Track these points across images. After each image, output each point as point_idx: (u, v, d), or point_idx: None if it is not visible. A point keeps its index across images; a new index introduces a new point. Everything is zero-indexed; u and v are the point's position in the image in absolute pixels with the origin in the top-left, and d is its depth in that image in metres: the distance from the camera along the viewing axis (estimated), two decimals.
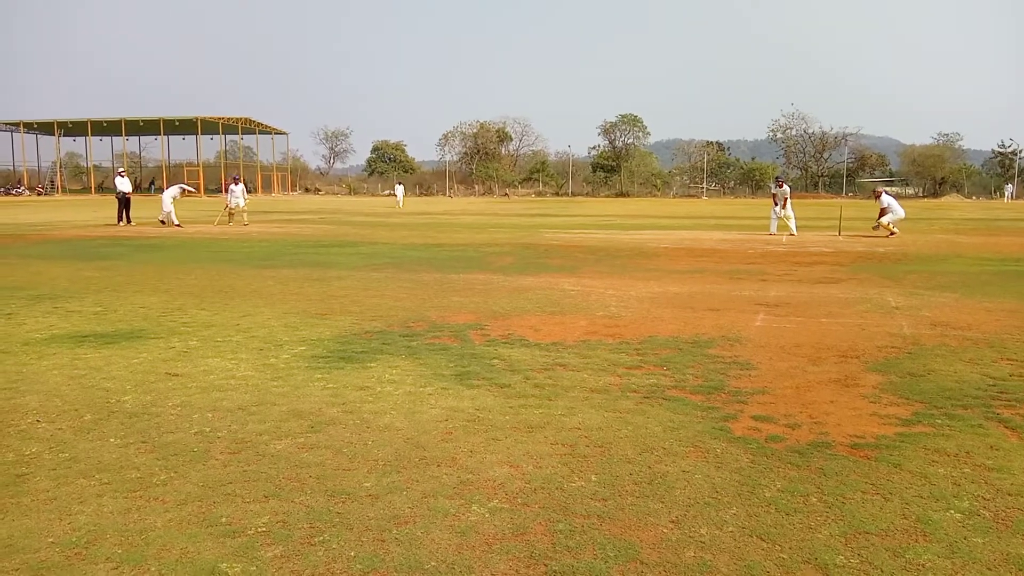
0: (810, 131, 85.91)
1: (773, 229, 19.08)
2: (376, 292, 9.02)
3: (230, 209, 24.06)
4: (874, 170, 76.31)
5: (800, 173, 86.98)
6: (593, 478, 3.39)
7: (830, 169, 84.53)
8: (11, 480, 3.42)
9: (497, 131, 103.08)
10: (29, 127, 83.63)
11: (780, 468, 3.50)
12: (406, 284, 9.75)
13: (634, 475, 3.42)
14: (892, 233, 17.88)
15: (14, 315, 7.53)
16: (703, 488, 3.27)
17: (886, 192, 18.98)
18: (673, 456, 3.65)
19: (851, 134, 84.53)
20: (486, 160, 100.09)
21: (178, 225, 22.33)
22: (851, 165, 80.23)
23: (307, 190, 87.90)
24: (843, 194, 68.13)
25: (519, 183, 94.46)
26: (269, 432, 4.01)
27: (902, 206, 18.93)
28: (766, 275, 10.71)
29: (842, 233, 18.86)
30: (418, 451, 3.74)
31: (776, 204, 19.28)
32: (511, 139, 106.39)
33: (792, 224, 18.83)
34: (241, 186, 24.21)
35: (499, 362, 5.52)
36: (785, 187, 19.45)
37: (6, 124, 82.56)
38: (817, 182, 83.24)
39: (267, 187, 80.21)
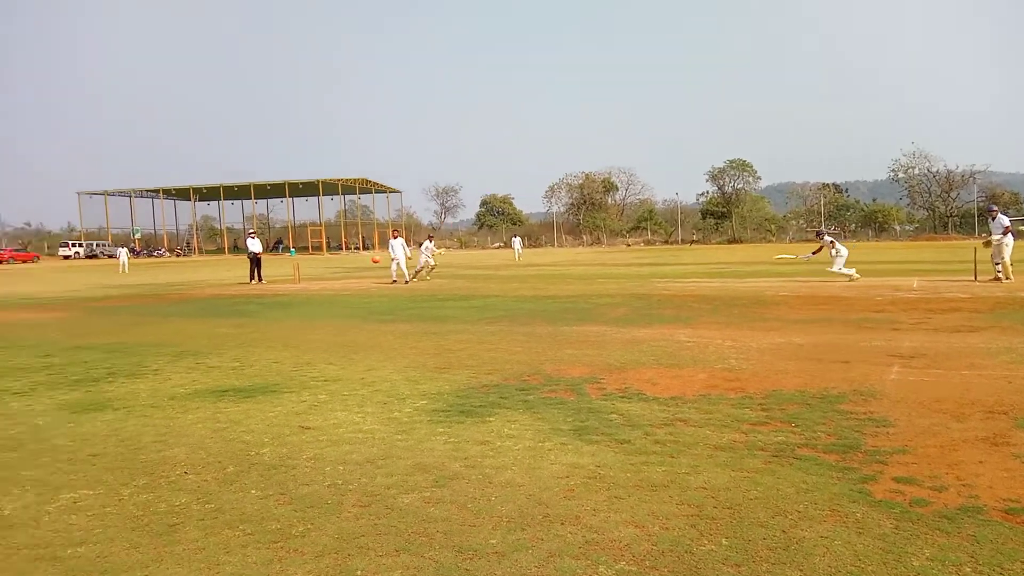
0: (934, 170, 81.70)
1: (844, 272, 18.37)
2: (491, 345, 9.16)
3: (425, 264, 24.06)
4: (1008, 209, 71.38)
5: (927, 214, 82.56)
6: (724, 542, 3.28)
7: (959, 209, 79.77)
8: (164, 530, 3.67)
9: (603, 181, 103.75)
10: (168, 193, 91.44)
11: (928, 535, 3.27)
12: (520, 337, 9.86)
13: (768, 540, 3.28)
14: (997, 278, 16.63)
15: (160, 371, 8.13)
16: (844, 555, 3.10)
17: (828, 234, 18.51)
18: (809, 520, 3.48)
19: (979, 172, 79.81)
20: (593, 210, 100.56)
21: (407, 282, 22.20)
22: (982, 204, 75.47)
23: (419, 245, 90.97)
24: (976, 235, 63.91)
25: (627, 232, 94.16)
26: (396, 486, 4.13)
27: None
28: (898, 324, 10.14)
29: (978, 277, 17.59)
30: (541, 508, 3.74)
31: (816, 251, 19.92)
32: (617, 188, 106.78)
33: (835, 268, 18.55)
34: (400, 240, 23.21)
35: (617, 417, 5.47)
36: (826, 237, 19.45)
37: (147, 191, 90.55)
38: (947, 223, 78.63)
39: (384, 244, 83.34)
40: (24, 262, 67.13)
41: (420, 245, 25.22)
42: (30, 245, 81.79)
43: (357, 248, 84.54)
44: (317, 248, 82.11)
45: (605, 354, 8.27)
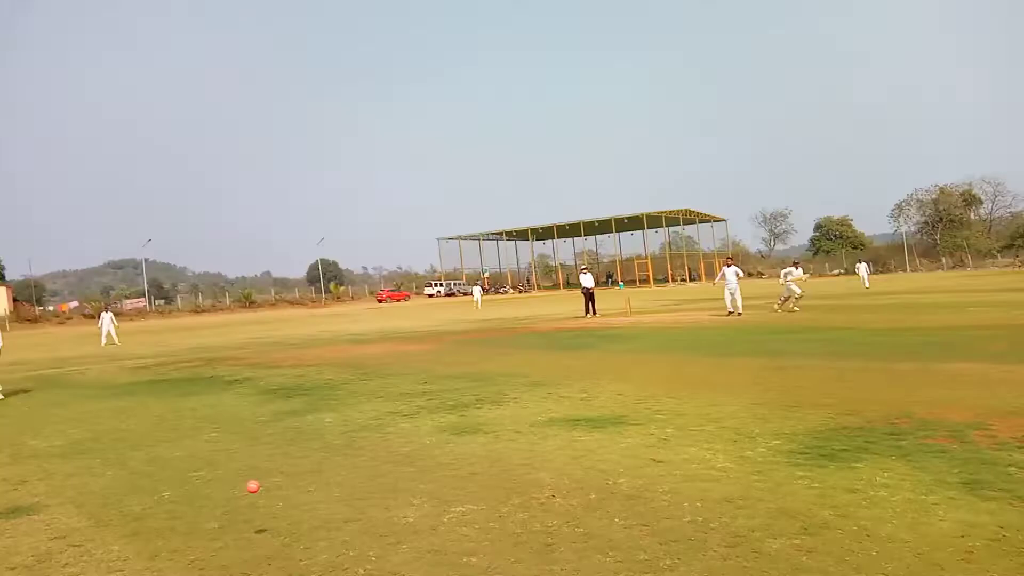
0: None
1: None
2: (846, 383, 8.45)
3: (791, 293, 22.20)
4: None
5: None
6: None
7: None
8: (541, 548, 3.98)
9: (962, 194, 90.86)
10: (509, 235, 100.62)
11: None
12: (877, 374, 8.96)
13: None
14: None
15: (519, 399, 8.88)
16: None
17: None
18: None
19: None
20: (952, 228, 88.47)
21: (740, 313, 20.99)
22: None
23: (749, 274, 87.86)
24: None
25: (998, 251, 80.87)
26: (761, 528, 3.99)
27: None
28: None
29: None
30: (935, 570, 3.33)
31: None
32: (981, 202, 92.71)
33: None
34: (735, 268, 21.71)
35: (1017, 470, 4.68)
36: None
37: (492, 234, 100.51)
38: None
39: (710, 274, 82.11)
40: (398, 300, 78.80)
41: (783, 273, 22.66)
42: (402, 285, 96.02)
43: (683, 280, 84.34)
44: (644, 280, 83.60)
45: (990, 395, 7.14)
